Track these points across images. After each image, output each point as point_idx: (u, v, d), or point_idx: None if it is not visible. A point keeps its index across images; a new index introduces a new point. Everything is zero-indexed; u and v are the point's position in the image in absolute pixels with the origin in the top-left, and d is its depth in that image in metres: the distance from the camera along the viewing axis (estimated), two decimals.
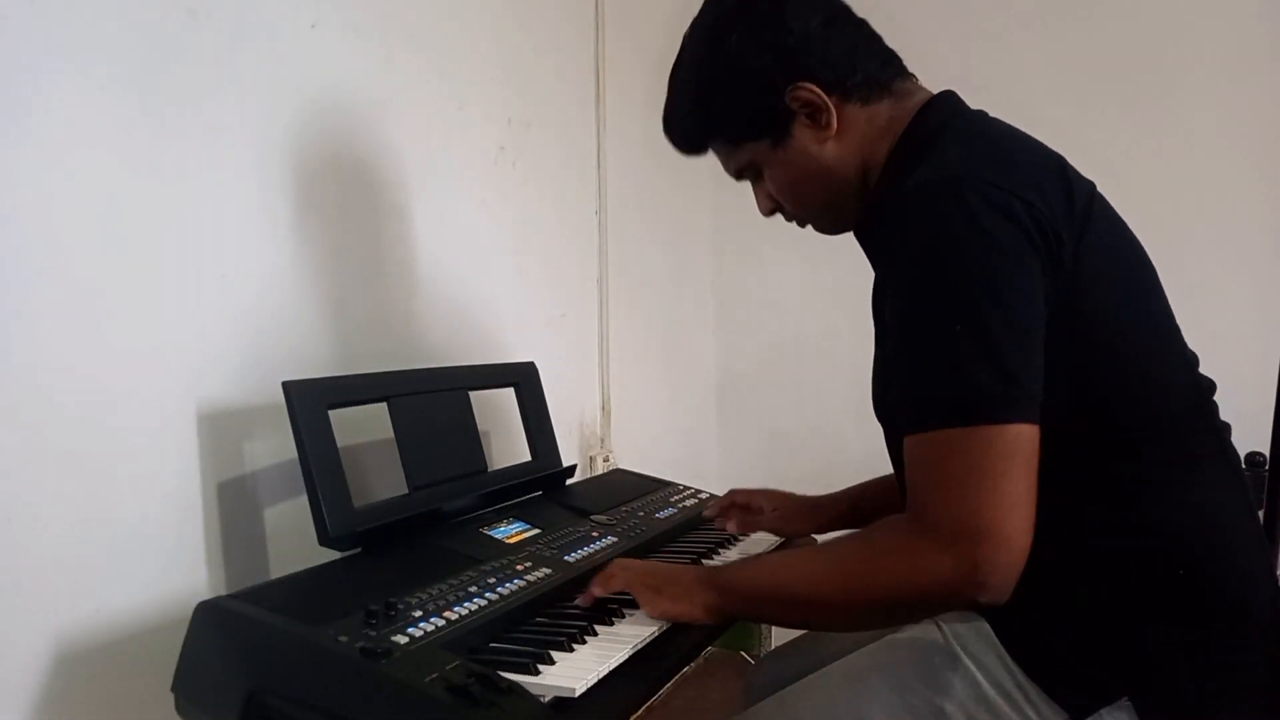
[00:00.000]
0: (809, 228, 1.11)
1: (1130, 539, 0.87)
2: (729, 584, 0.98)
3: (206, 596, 0.97)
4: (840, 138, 1.00)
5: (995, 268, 0.82)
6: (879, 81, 1.00)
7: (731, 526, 1.37)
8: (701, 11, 1.06)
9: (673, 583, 1.01)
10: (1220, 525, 0.88)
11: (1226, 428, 0.96)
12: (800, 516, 1.36)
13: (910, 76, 1.03)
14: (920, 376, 0.85)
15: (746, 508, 1.38)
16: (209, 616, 0.93)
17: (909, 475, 0.85)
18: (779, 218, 1.11)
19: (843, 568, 0.90)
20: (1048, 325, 0.84)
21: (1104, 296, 0.88)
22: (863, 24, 1.03)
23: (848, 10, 1.02)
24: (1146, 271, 0.96)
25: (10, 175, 0.99)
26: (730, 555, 1.31)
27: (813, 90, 0.97)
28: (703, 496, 1.56)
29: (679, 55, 1.08)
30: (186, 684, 0.95)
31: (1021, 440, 0.80)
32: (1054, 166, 0.92)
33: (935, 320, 0.83)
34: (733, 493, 1.43)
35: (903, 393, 0.87)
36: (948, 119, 0.98)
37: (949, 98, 1.01)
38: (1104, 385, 0.87)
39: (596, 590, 1.03)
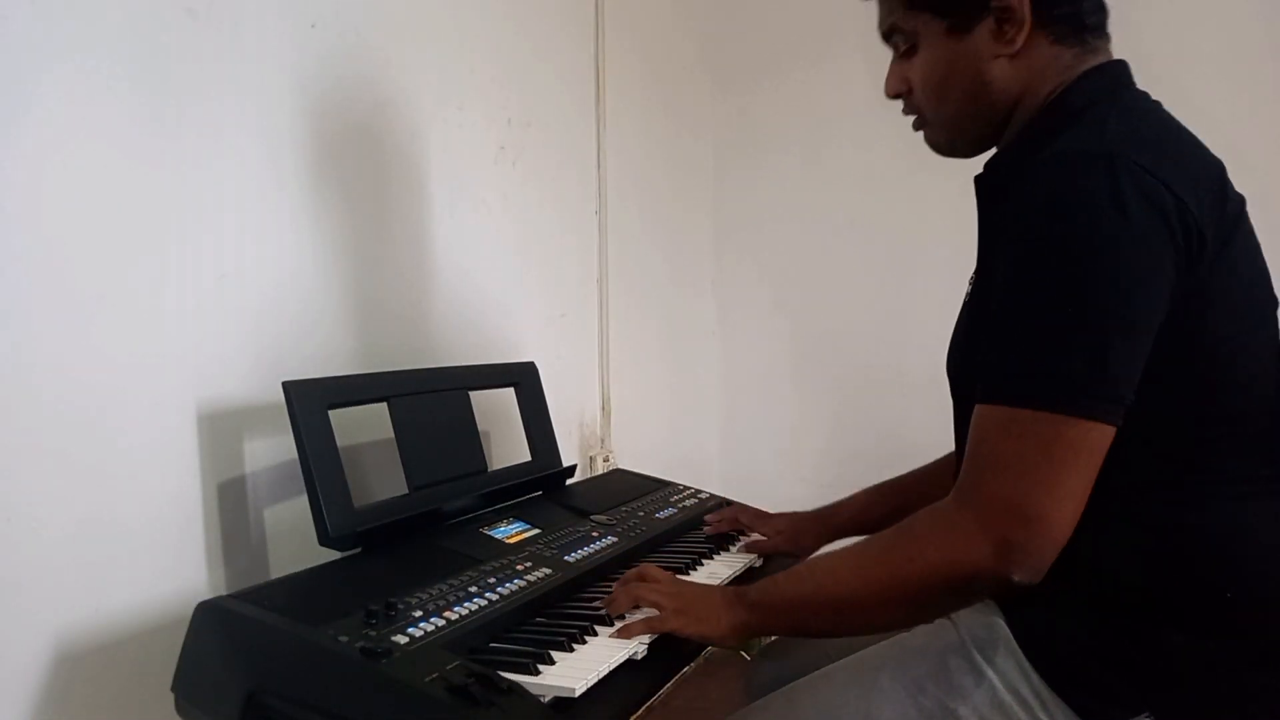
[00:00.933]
0: (920, 135, 1.04)
1: (1167, 547, 0.85)
2: (759, 600, 0.95)
3: (206, 596, 0.97)
4: (1015, 61, 0.93)
5: (1128, 258, 0.78)
6: (1081, 25, 0.93)
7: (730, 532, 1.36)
8: None
9: (700, 602, 0.98)
10: (1261, 545, 0.86)
11: None
12: (809, 532, 1.32)
13: (1105, 37, 0.97)
14: (1018, 348, 0.81)
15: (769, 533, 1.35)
16: (209, 616, 0.93)
17: (971, 443, 0.82)
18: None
19: (880, 558, 0.87)
20: (1163, 324, 0.81)
21: (1221, 309, 0.84)
22: None
23: None
24: (1267, 300, 0.92)
25: (10, 174, 0.99)
26: (732, 554, 1.31)
27: None
28: (702, 496, 1.56)
29: None
30: (186, 684, 0.95)
31: (1095, 439, 0.78)
32: (1214, 169, 0.88)
33: (1051, 295, 0.80)
34: (736, 512, 1.41)
35: (995, 358, 0.83)
36: (1116, 89, 0.92)
37: (1121, 67, 0.95)
38: (1188, 397, 0.84)
39: (624, 605, 1.00)
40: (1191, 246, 0.80)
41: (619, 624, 0.98)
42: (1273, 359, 0.92)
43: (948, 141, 1.03)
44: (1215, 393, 0.85)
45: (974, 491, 0.81)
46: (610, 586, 1.10)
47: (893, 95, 1.03)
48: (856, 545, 0.93)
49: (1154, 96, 0.95)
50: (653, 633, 0.96)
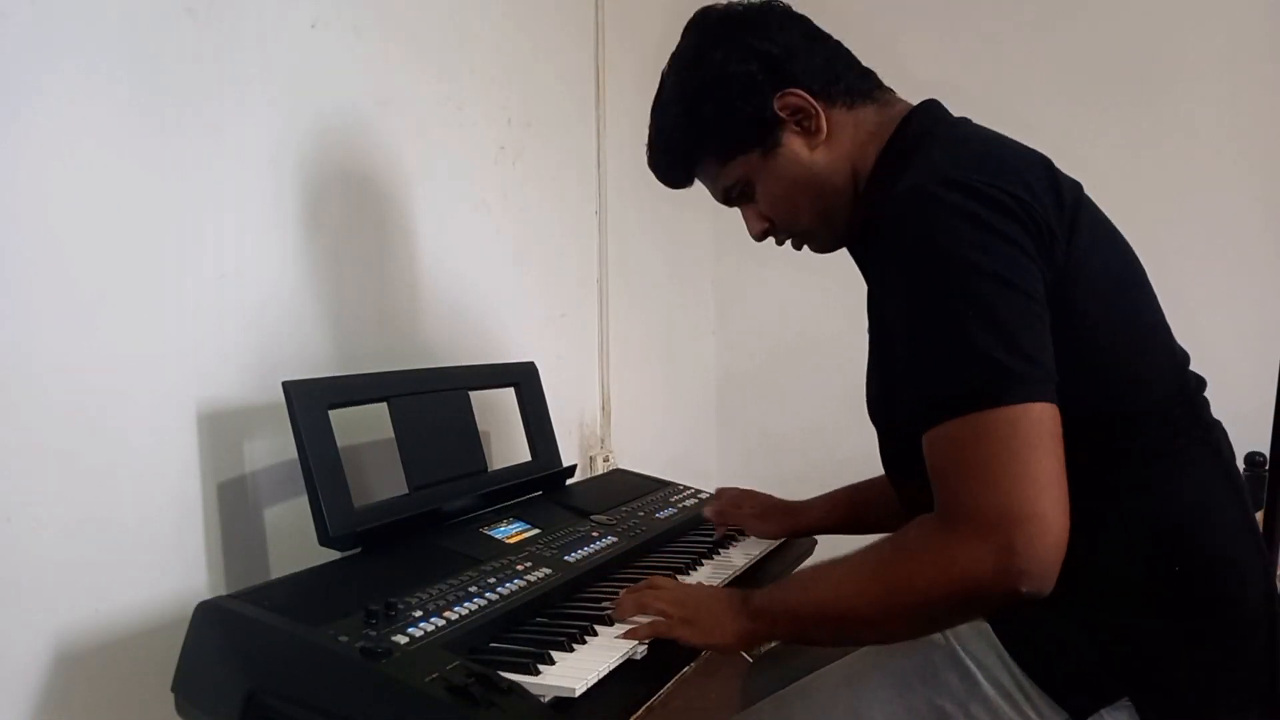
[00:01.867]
0: (804, 250, 1.11)
1: (1117, 533, 0.86)
2: (763, 608, 0.95)
3: (206, 596, 0.97)
4: (830, 143, 1.00)
5: (998, 253, 0.81)
6: (861, 90, 1.01)
7: (708, 512, 1.39)
8: (682, 40, 1.07)
9: (705, 611, 0.98)
10: (1207, 519, 0.88)
11: (1217, 424, 0.96)
12: (774, 519, 1.36)
13: (889, 90, 1.05)
14: (934, 368, 0.82)
15: (734, 505, 1.39)
16: (209, 616, 0.93)
17: (934, 472, 0.82)
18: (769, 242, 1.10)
19: (877, 575, 0.86)
20: None
21: (1090, 291, 0.87)
22: (838, 43, 1.04)
23: (821, 30, 1.04)
24: (1132, 269, 0.96)
25: (10, 174, 0.99)
26: (732, 554, 1.31)
27: (800, 95, 0.98)
28: (703, 496, 1.57)
29: (661, 85, 1.08)
30: (186, 684, 0.95)
31: (1045, 419, 0.78)
32: (1039, 165, 0.92)
33: (943, 310, 0.82)
34: (720, 491, 1.44)
35: (917, 389, 0.84)
36: (931, 126, 0.98)
37: (931, 106, 1.01)
38: (1091, 379, 0.86)
39: (629, 611, 1.00)
40: (1044, 236, 0.84)
41: (625, 628, 0.98)
42: (1157, 324, 0.94)
43: (826, 239, 1.08)
44: (1115, 372, 0.88)
45: (955, 505, 0.80)
46: (611, 586, 1.10)
47: (759, 236, 1.10)
48: (855, 558, 0.92)
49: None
50: (658, 636, 0.96)
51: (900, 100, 1.04)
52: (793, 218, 1.06)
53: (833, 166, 1.00)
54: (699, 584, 1.16)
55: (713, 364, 2.62)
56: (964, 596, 0.79)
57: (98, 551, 1.07)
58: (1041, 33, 2.12)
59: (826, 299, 2.42)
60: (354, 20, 1.42)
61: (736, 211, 1.13)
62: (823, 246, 1.09)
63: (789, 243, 1.11)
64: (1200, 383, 0.97)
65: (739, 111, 1.00)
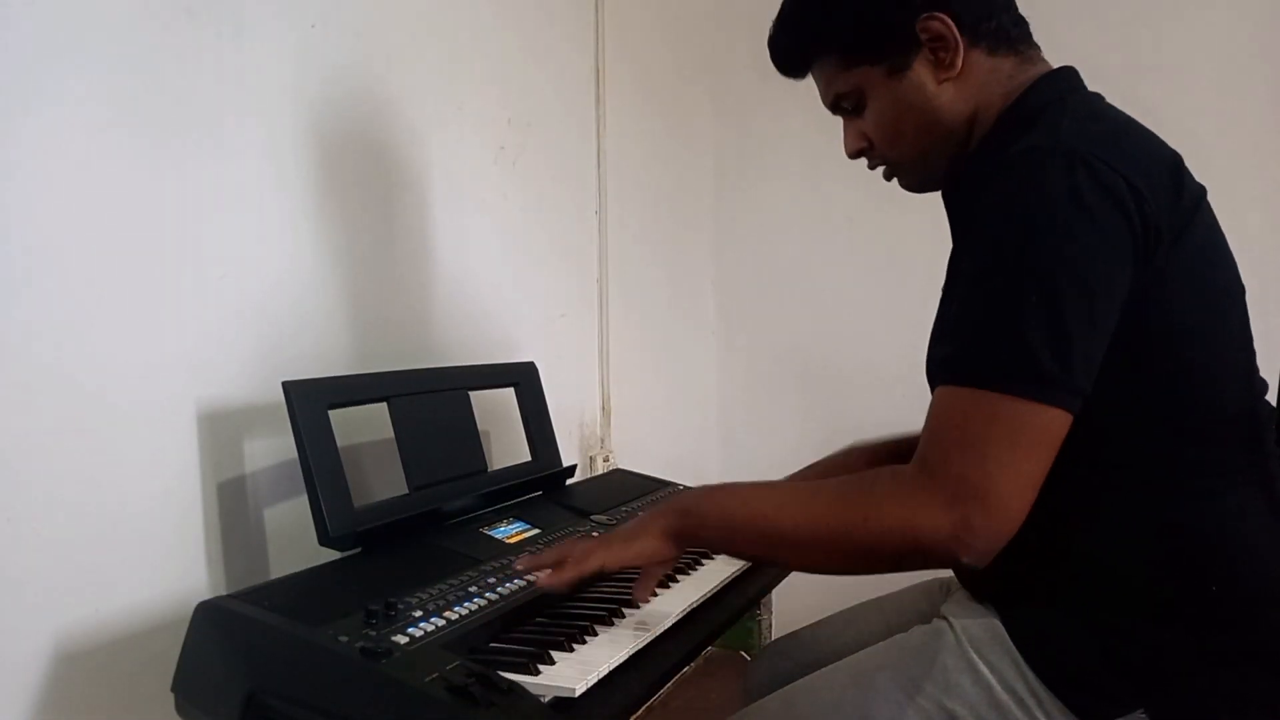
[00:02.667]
0: (893, 182, 1.06)
1: (1152, 542, 0.85)
2: (692, 507, 0.94)
3: (206, 596, 0.97)
4: (959, 82, 0.96)
5: (1087, 247, 0.79)
6: (1010, 36, 0.96)
7: None
8: None
9: (624, 531, 0.97)
10: (1244, 540, 0.86)
11: (1277, 454, 0.93)
12: None
13: (1036, 46, 1.00)
14: (980, 332, 0.82)
15: None
16: (209, 616, 0.93)
17: (931, 426, 0.82)
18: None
19: (832, 506, 0.86)
20: (1121, 314, 0.82)
21: (1184, 299, 0.85)
22: None
23: None
24: (1232, 286, 0.93)
25: (9, 174, 0.99)
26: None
27: (946, 23, 0.93)
28: None
29: None
30: (186, 684, 0.95)
31: (1054, 426, 0.79)
32: (1168, 160, 0.89)
33: (1013, 282, 0.80)
34: None
35: (956, 343, 0.83)
36: (1066, 93, 0.94)
37: (1069, 73, 0.98)
38: (1158, 389, 0.85)
39: (549, 559, 0.99)
40: (1149, 236, 0.81)
41: (544, 575, 0.97)
42: (1243, 347, 0.93)
43: (920, 180, 1.05)
44: (1187, 384, 0.86)
45: (938, 466, 0.80)
46: (611, 587, 1.10)
47: (854, 154, 1.05)
48: (808, 486, 0.92)
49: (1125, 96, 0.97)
50: (582, 573, 0.95)
51: (1044, 60, 0.99)
52: (894, 145, 1.01)
53: (953, 107, 0.96)
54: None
55: (713, 364, 2.62)
56: (910, 548, 0.81)
57: (98, 551, 1.07)
58: (1041, 33, 2.11)
59: (828, 297, 2.42)
60: (354, 20, 1.42)
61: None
62: (911, 183, 1.06)
63: (881, 170, 1.07)
64: (1272, 413, 0.94)
65: (881, 19, 0.95)
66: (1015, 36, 0.97)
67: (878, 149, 1.03)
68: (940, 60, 0.95)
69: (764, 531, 0.90)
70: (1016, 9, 0.99)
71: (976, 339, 0.82)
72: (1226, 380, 0.89)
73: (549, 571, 0.98)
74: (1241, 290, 0.94)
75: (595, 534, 1.04)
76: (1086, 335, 0.79)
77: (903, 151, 1.02)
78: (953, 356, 0.83)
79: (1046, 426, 0.79)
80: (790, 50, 1.05)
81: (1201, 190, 0.91)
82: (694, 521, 0.94)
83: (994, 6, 0.96)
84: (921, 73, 0.96)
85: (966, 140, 0.98)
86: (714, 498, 0.96)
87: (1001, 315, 0.80)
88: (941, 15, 0.93)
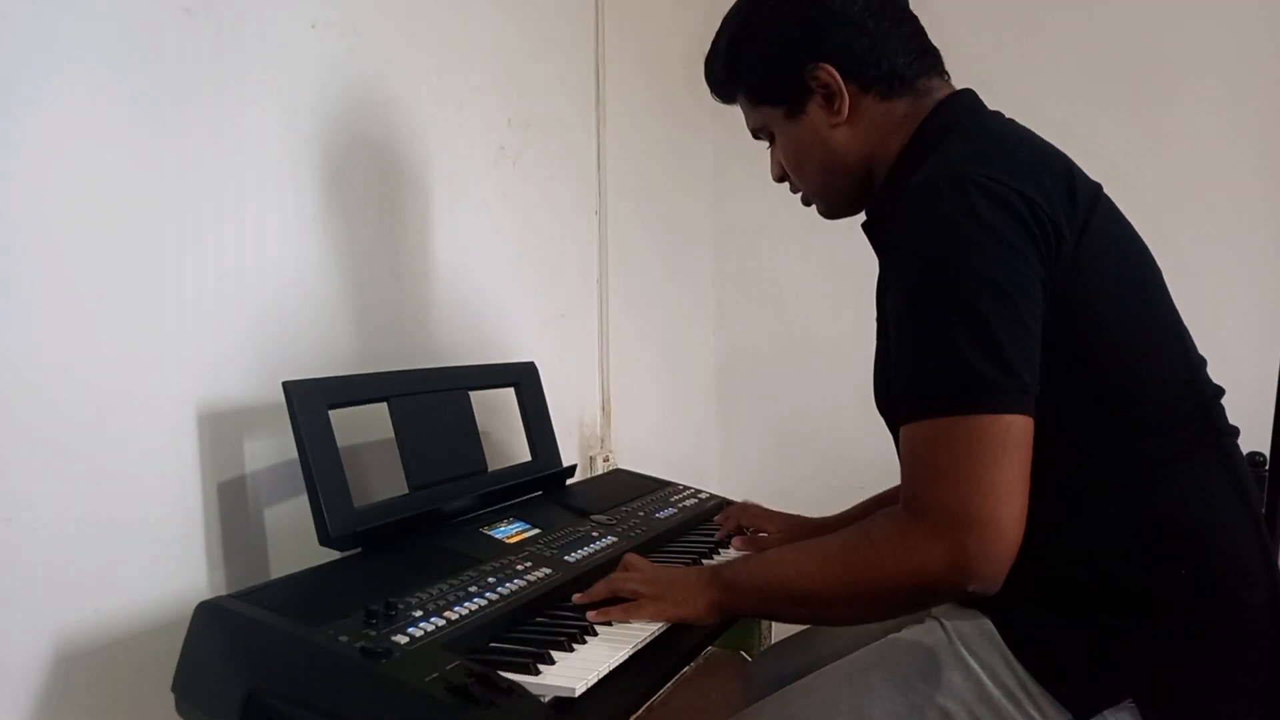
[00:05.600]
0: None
1: (1125, 534, 0.87)
2: (732, 581, 0.99)
3: (206, 596, 0.97)
4: (851, 126, 1.01)
5: (992, 256, 0.82)
6: (903, 78, 1.00)
7: (738, 544, 1.35)
8: None
9: (677, 586, 1.01)
10: (1215, 522, 0.89)
11: (1233, 431, 0.96)
12: (804, 539, 1.33)
13: (941, 74, 1.04)
14: (917, 366, 0.85)
15: (754, 534, 1.36)
16: (209, 616, 0.93)
17: (905, 465, 0.86)
18: (775, 204, 1.13)
19: (840, 560, 0.90)
20: (1046, 318, 0.84)
21: (1103, 292, 0.88)
22: (910, 19, 1.03)
23: (900, 4, 1.03)
24: (1149, 272, 0.96)
25: (9, 174, 0.99)
26: (732, 553, 1.30)
27: (831, 74, 0.99)
28: (702, 496, 1.56)
29: (734, 4, 1.09)
30: (186, 684, 0.95)
31: (1015, 431, 0.81)
32: (1058, 166, 0.93)
33: (934, 310, 0.84)
34: (743, 509, 1.41)
35: (901, 382, 0.87)
36: (958, 118, 0.99)
37: (963, 97, 1.02)
38: (1100, 379, 0.88)
39: (601, 593, 1.03)
40: (1049, 236, 0.85)
41: (595, 613, 1.00)
42: (1170, 325, 0.95)
43: (828, 208, 1.12)
44: (1118, 371, 0.88)
45: (920, 502, 0.83)
46: None
47: (776, 179, 1.14)
48: (819, 542, 0.96)
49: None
50: (629, 620, 0.99)
51: (943, 87, 1.03)
52: (800, 178, 1.10)
53: (850, 148, 1.02)
54: (672, 563, 1.18)
55: (713, 364, 2.62)
56: (917, 587, 0.84)
57: (98, 551, 1.07)
58: (1041, 33, 2.12)
59: (828, 297, 2.42)
60: (354, 20, 1.41)
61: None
62: (822, 211, 1.14)
63: (800, 194, 1.14)
64: (1218, 390, 0.97)
65: (771, 69, 1.02)
66: (911, 75, 1.01)
67: (790, 178, 1.12)
68: (830, 107, 1.01)
69: (792, 596, 0.94)
70: (920, 42, 1.03)
71: (919, 372, 0.85)
72: (1162, 361, 0.92)
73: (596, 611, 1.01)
74: (1157, 272, 0.97)
75: (635, 565, 1.08)
76: (1018, 335, 0.82)
77: (807, 183, 1.10)
78: (904, 396, 0.86)
79: (1007, 432, 0.81)
80: (713, 86, 1.12)
81: (1096, 187, 0.95)
82: (734, 596, 0.99)
83: (884, 52, 0.99)
84: (816, 117, 1.03)
85: (868, 177, 1.04)
86: (749, 567, 1.01)
87: (934, 343, 0.83)
88: (826, 66, 0.99)
